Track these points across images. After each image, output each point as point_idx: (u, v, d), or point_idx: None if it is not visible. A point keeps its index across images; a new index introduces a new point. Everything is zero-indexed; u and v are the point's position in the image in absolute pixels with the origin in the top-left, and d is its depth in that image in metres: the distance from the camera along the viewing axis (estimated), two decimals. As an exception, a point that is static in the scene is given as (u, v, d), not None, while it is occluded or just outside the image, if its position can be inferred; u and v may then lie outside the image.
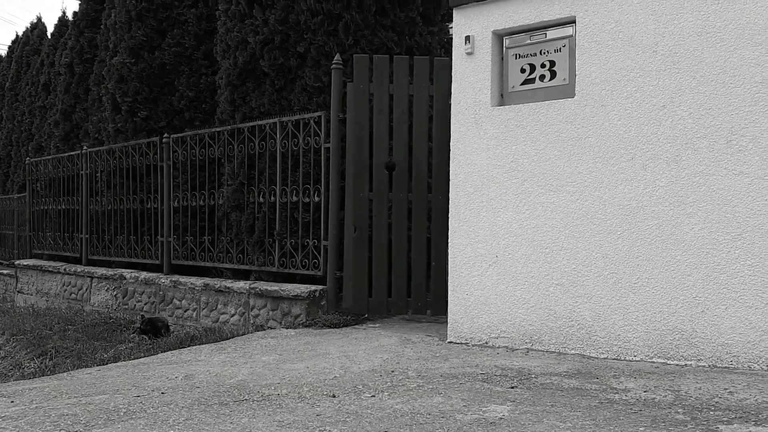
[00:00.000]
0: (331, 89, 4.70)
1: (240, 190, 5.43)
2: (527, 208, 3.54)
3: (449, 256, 3.84)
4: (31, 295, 7.77)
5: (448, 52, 4.67)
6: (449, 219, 3.85)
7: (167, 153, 6.12)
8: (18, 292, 8.09)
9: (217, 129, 5.65)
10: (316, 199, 4.84)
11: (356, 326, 4.42)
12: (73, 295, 7.03)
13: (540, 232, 3.49)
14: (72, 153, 7.64)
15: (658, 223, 3.15)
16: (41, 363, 5.25)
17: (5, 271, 10.35)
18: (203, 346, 4.14)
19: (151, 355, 4.25)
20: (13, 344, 5.77)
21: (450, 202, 3.85)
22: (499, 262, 3.62)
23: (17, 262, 8.17)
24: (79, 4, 8.64)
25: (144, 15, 6.82)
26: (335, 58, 4.71)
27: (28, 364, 5.31)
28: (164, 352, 4.17)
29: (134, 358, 4.17)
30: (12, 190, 12.75)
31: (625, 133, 3.25)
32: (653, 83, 3.17)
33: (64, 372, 3.88)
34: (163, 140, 6.17)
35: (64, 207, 7.72)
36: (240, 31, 5.44)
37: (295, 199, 5.00)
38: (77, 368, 4.10)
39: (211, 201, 5.74)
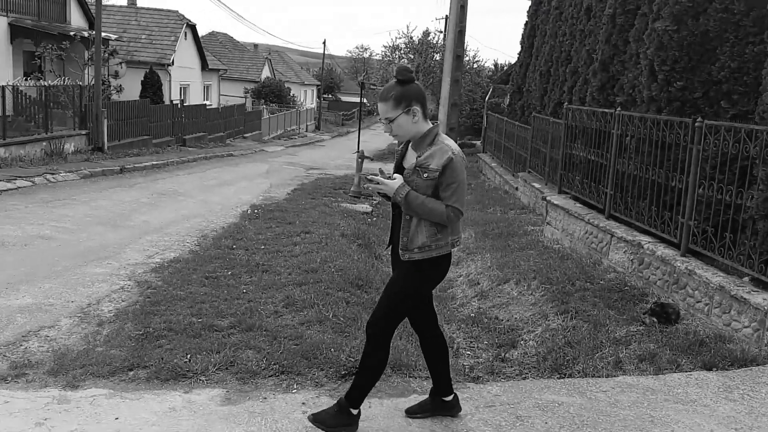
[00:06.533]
0: None
1: (773, 200, 5.15)
2: None
3: None
4: (558, 230, 8.88)
5: None
6: None
7: (697, 137, 6.08)
8: (546, 223, 9.31)
9: (756, 127, 5.34)
10: None
11: None
12: (593, 245, 7.80)
13: None
14: (606, 111, 8.14)
15: None
16: (563, 321, 6.17)
17: (537, 185, 11.82)
18: (709, 375, 4.31)
19: (658, 369, 4.64)
20: (542, 293, 6.85)
21: None
22: None
23: (548, 198, 9.34)
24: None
25: (693, -21, 6.62)
26: None
27: (552, 319, 6.30)
28: (672, 372, 4.50)
29: (642, 372, 4.63)
30: (548, 106, 14.14)
31: None
32: None
33: (584, 379, 4.57)
34: (696, 124, 6.12)
35: (592, 158, 8.39)
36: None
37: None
38: (594, 374, 4.74)
39: (738, 200, 5.58)
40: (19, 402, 3.81)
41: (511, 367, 5.49)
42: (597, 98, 8.90)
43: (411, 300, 3.46)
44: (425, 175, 3.27)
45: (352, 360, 4.48)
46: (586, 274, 7.12)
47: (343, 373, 4.33)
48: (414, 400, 3.95)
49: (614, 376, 4.65)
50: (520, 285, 7.25)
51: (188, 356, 4.49)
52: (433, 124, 3.41)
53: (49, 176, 13.78)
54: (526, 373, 5.34)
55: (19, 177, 13.01)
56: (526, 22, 18.16)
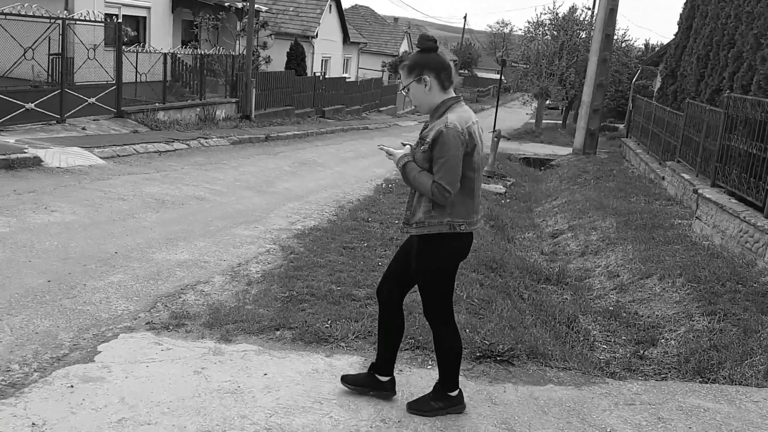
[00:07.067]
0: None
1: None
2: None
3: None
4: (708, 226, 8.36)
5: None
6: None
7: None
8: (696, 218, 8.79)
9: None
10: None
11: None
12: (748, 245, 7.29)
13: None
14: (773, 101, 7.52)
15: None
16: (710, 322, 5.83)
17: (686, 176, 11.15)
18: None
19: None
20: (687, 291, 6.51)
21: None
22: None
23: (700, 191, 8.79)
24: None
25: None
26: None
27: (698, 319, 5.97)
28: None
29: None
30: (704, 93, 13.25)
31: None
32: None
33: (732, 386, 4.31)
34: None
35: (754, 151, 7.80)
36: None
37: None
38: (742, 382, 4.47)
39: None
40: (179, 350, 4.17)
41: (650, 365, 5.29)
42: (764, 87, 8.23)
43: (430, 275, 3.37)
44: (422, 147, 3.20)
45: (487, 343, 4.50)
46: (738, 275, 6.69)
47: (478, 355, 4.36)
48: (550, 390, 3.92)
49: (766, 387, 4.36)
50: (663, 281, 6.92)
51: (329, 322, 4.70)
52: (454, 95, 3.26)
53: (202, 140, 14.70)
54: (666, 374, 5.14)
55: (176, 140, 13.97)
56: (686, 1, 17.03)
